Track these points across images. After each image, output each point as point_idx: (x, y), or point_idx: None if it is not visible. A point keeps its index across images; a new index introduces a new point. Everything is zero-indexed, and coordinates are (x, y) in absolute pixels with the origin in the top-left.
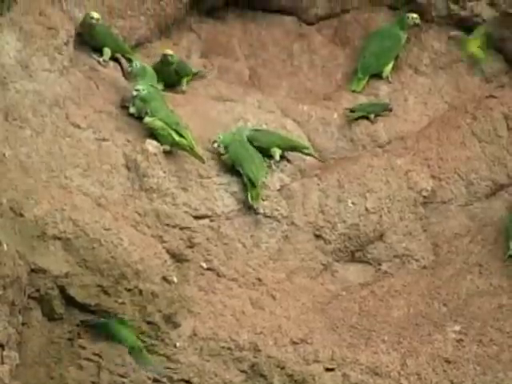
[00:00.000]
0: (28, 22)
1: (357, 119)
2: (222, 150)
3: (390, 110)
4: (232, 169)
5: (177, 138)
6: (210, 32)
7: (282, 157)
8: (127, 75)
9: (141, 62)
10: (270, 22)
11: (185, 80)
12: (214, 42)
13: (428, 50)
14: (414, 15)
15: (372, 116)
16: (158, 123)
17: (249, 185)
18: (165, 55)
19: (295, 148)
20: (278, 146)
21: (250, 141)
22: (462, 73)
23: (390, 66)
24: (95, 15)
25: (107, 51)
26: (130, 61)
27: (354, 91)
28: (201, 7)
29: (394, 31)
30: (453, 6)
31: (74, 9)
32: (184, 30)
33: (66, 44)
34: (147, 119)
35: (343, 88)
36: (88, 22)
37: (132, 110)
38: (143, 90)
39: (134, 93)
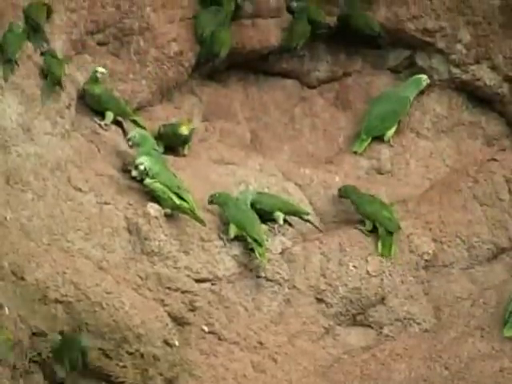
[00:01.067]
0: (30, 86)
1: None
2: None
3: None
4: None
5: (178, 201)
6: (211, 95)
7: (284, 220)
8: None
9: (139, 130)
10: (271, 85)
11: (187, 145)
12: (216, 105)
13: (430, 114)
14: (425, 76)
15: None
16: (159, 186)
17: (255, 245)
18: (180, 134)
19: (296, 213)
20: (280, 210)
21: (253, 204)
22: (464, 136)
23: (394, 129)
24: (101, 70)
25: (109, 115)
26: (134, 122)
27: (355, 152)
28: (202, 70)
29: (402, 94)
30: (454, 70)
31: (76, 72)
32: (186, 94)
33: (68, 107)
34: (148, 181)
35: (345, 151)
36: (94, 77)
37: (134, 173)
38: (146, 161)
39: (140, 167)
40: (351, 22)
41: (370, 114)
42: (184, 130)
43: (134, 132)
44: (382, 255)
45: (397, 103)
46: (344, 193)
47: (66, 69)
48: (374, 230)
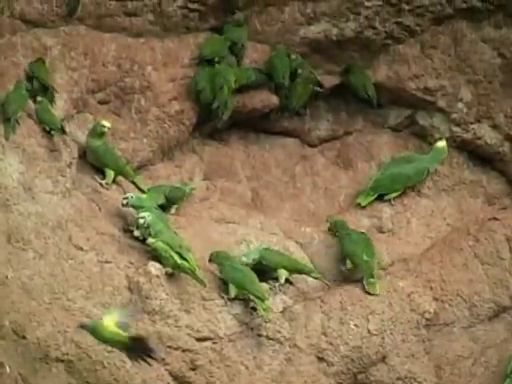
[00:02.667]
0: (31, 145)
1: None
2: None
3: None
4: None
5: (179, 260)
6: (212, 154)
7: (285, 279)
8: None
9: (135, 193)
10: (272, 144)
11: (175, 206)
12: (217, 164)
13: (431, 173)
14: (444, 142)
15: None
16: (161, 245)
17: (257, 301)
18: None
19: (302, 271)
20: (285, 268)
21: (260, 260)
22: (465, 195)
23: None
24: (105, 123)
25: (109, 173)
26: (134, 184)
27: (359, 204)
28: (203, 129)
29: (424, 164)
30: (455, 129)
31: (77, 131)
32: (187, 152)
33: (69, 166)
34: (150, 240)
35: (346, 210)
36: (96, 130)
37: (136, 233)
38: (148, 216)
39: (141, 221)
40: (350, 81)
41: (384, 171)
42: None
43: (130, 194)
44: (368, 292)
45: (414, 170)
46: (334, 226)
47: (66, 126)
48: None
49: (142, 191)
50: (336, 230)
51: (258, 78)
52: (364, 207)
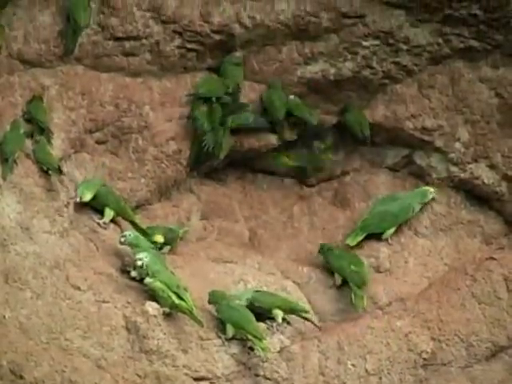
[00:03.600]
0: (28, 184)
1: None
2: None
3: None
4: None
5: (177, 300)
6: (210, 194)
7: (283, 318)
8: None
9: (132, 231)
10: (270, 183)
11: (168, 247)
12: (215, 203)
13: (428, 212)
14: (432, 189)
15: None
16: (159, 285)
17: (255, 340)
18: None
19: (295, 311)
20: (279, 308)
21: (252, 302)
22: (462, 235)
23: (393, 229)
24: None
25: (110, 213)
26: (133, 224)
27: (347, 245)
28: (201, 169)
29: (408, 201)
30: (453, 168)
31: (74, 171)
32: (184, 192)
33: (67, 206)
34: (148, 280)
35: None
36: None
37: (134, 273)
38: (146, 257)
39: (139, 263)
40: (346, 121)
41: (371, 211)
42: (85, 196)
43: (128, 232)
44: (355, 307)
45: (399, 207)
46: (321, 250)
47: (64, 166)
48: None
49: (143, 232)
50: (323, 253)
51: (256, 122)
52: (362, 247)
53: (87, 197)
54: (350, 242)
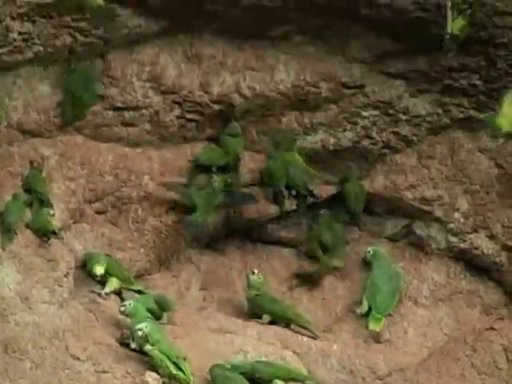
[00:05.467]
0: (28, 255)
1: None
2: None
3: None
4: None
5: (174, 371)
6: (209, 264)
7: None
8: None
9: (132, 301)
10: (269, 253)
11: (166, 314)
12: (214, 274)
13: (428, 282)
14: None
15: None
16: (158, 354)
17: None
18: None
19: (296, 379)
20: (280, 378)
21: (252, 373)
22: (462, 305)
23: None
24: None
25: (112, 282)
26: (139, 292)
27: (372, 330)
28: (200, 239)
29: (395, 269)
30: (452, 239)
31: (74, 241)
32: (184, 262)
33: (66, 276)
34: (148, 347)
35: (343, 320)
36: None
37: (133, 345)
38: (146, 327)
39: (139, 333)
40: (345, 193)
41: (379, 291)
42: (98, 270)
43: (129, 301)
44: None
45: (396, 278)
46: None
47: (64, 236)
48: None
49: (148, 296)
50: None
51: (243, 199)
52: (361, 317)
53: (100, 271)
54: (377, 328)
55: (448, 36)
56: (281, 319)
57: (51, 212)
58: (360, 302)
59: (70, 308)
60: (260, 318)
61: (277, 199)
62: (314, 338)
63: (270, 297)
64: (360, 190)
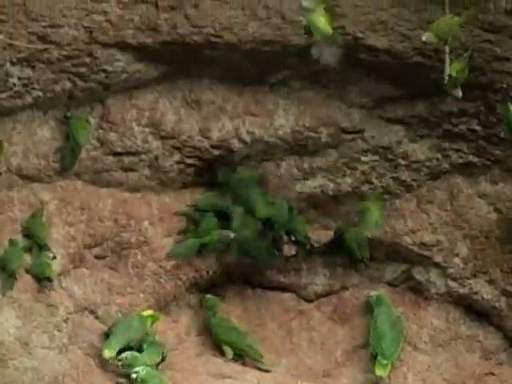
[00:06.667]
0: (27, 300)
1: None
2: None
3: None
4: None
5: None
6: None
7: None
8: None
9: (130, 353)
10: (268, 298)
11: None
12: None
13: (427, 327)
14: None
15: None
16: None
17: None
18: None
19: None
20: None
21: None
22: (461, 350)
23: None
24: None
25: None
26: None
27: (380, 376)
28: (200, 284)
29: (396, 314)
30: (452, 284)
31: (74, 285)
32: (183, 307)
33: (66, 321)
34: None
35: (342, 365)
36: None
37: None
38: (142, 370)
39: (134, 375)
40: (345, 239)
41: (384, 337)
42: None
43: (126, 353)
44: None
45: (400, 325)
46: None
47: (63, 282)
48: None
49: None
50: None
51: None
52: (361, 362)
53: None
54: (383, 374)
55: (447, 77)
56: (235, 350)
57: (51, 255)
58: (364, 346)
59: (70, 353)
60: (219, 347)
61: (276, 245)
62: (267, 371)
63: (229, 325)
64: (362, 235)
